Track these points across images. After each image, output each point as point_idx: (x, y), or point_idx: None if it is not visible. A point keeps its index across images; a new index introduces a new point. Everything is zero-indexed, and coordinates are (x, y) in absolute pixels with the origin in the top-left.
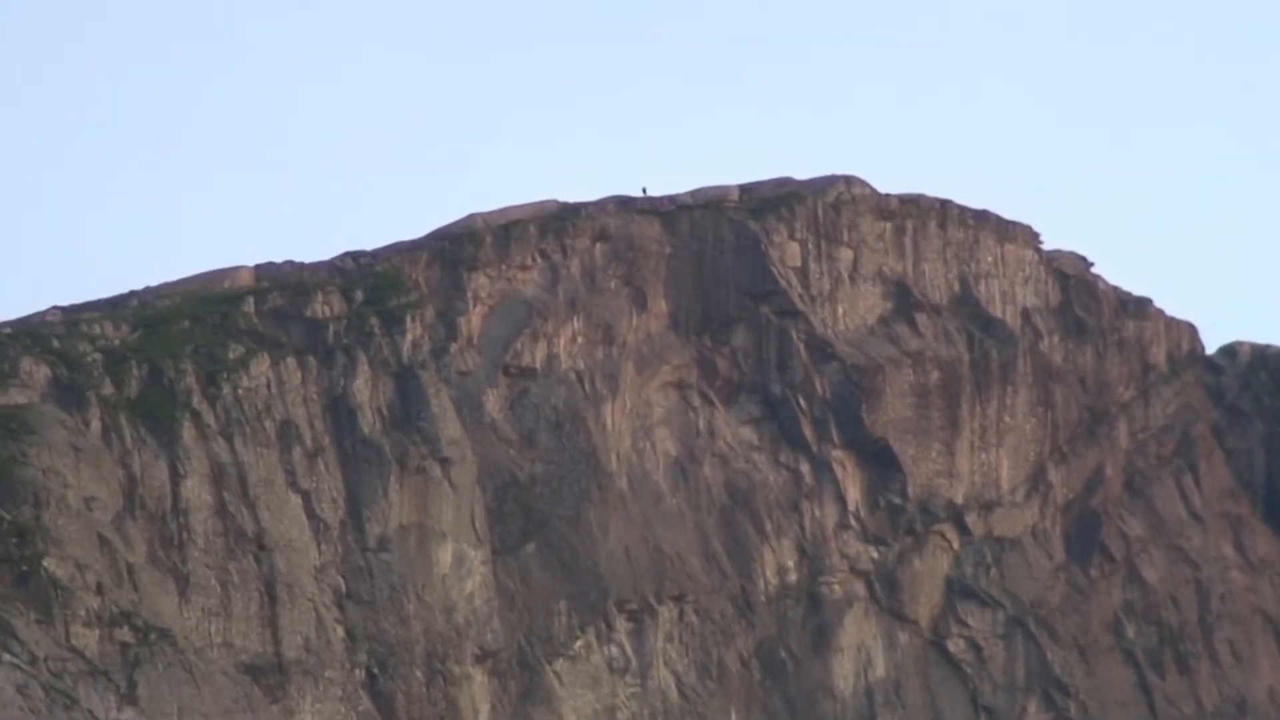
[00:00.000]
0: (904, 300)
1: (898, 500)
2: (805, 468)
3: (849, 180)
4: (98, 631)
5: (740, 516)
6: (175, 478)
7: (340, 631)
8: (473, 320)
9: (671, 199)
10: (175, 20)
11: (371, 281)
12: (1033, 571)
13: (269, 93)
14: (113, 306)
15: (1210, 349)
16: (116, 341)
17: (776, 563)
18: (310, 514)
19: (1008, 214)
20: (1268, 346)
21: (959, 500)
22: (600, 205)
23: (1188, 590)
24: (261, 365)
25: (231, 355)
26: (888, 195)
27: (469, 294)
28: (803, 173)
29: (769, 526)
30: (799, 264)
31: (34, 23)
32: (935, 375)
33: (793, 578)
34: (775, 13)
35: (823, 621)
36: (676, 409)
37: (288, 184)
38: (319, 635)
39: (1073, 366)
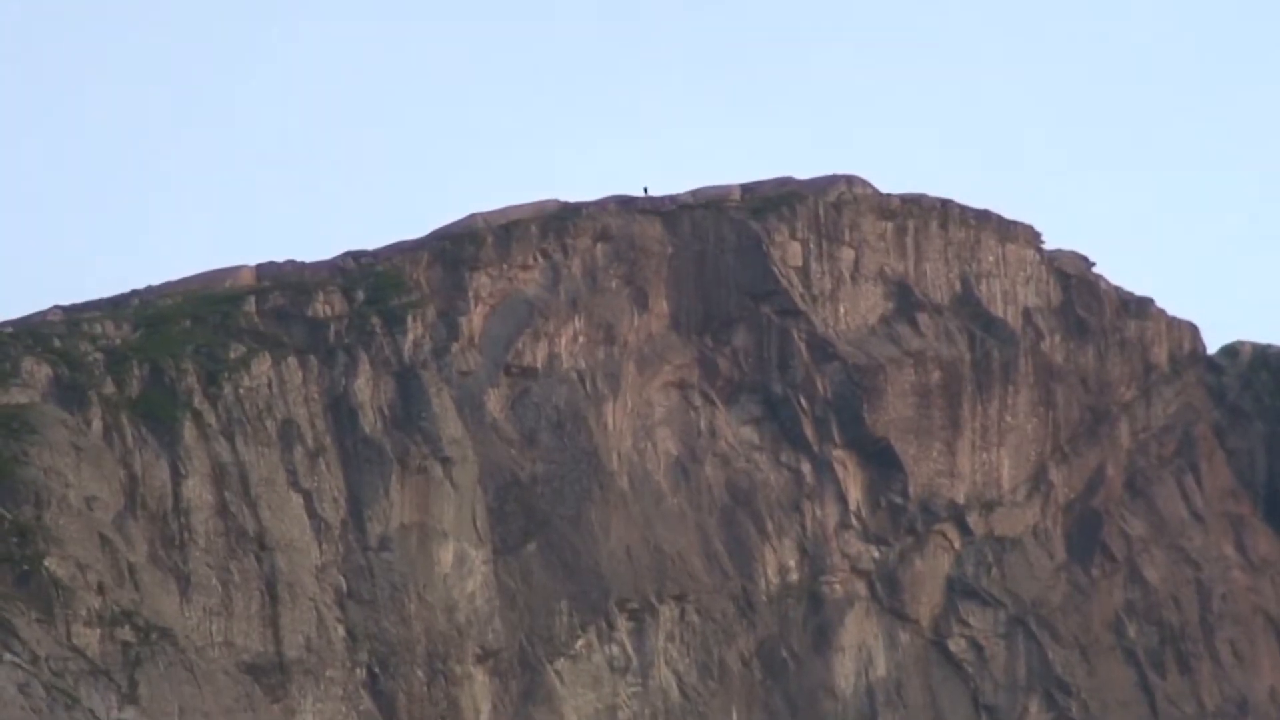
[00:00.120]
0: (905, 300)
1: (899, 500)
2: (806, 467)
3: (850, 180)
4: (99, 631)
5: (741, 516)
6: (176, 477)
7: (341, 631)
8: (474, 320)
9: (673, 199)
10: (176, 20)
11: (373, 281)
12: (1034, 571)
13: (270, 92)
14: (114, 306)
15: (1212, 349)
16: (118, 341)
17: (778, 562)
18: (311, 513)
19: (1009, 214)
20: (1269, 346)
21: (960, 500)
22: (601, 205)
23: (1189, 590)
24: (263, 365)
25: (233, 355)
26: (889, 195)
27: (470, 294)
28: (804, 172)
29: (770, 526)
30: (800, 264)
31: (34, 23)
32: (936, 375)
33: (794, 577)
34: (776, 13)
35: (824, 621)
36: (678, 409)
37: (289, 184)
38: (320, 635)
39: (1074, 366)
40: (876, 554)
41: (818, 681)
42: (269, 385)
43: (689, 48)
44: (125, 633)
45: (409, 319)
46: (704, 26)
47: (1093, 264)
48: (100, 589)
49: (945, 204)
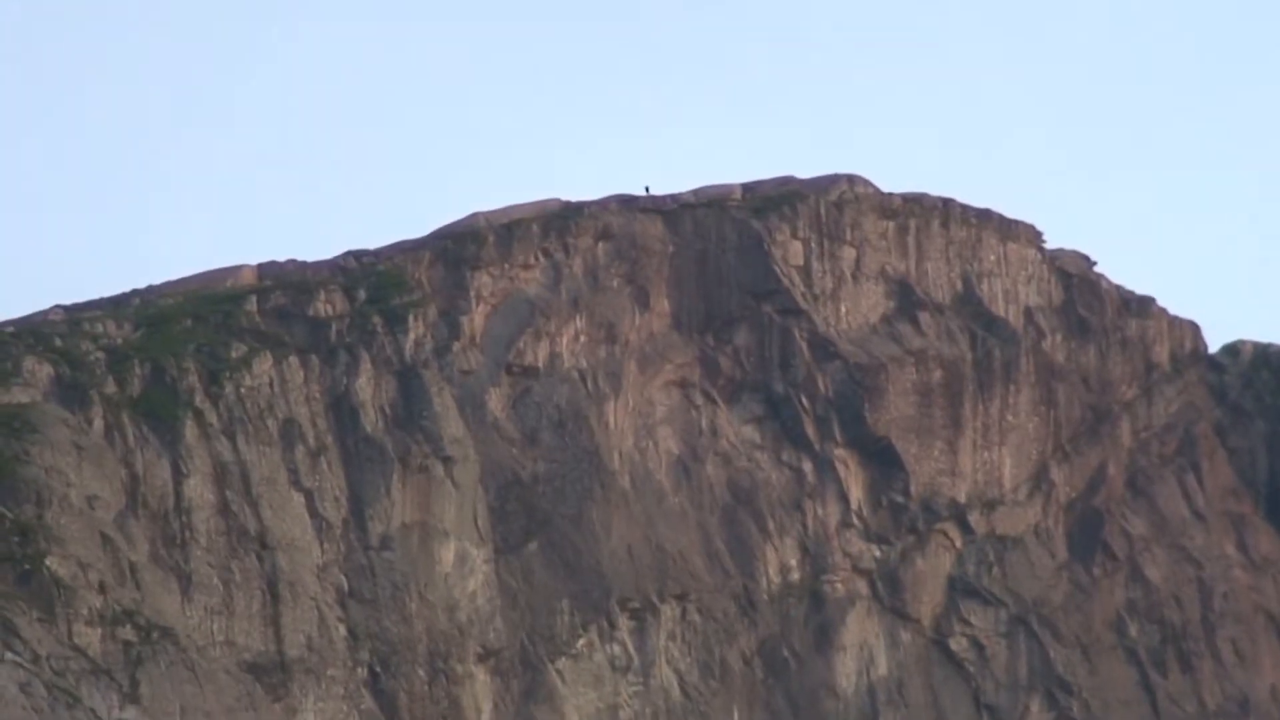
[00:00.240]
0: (906, 299)
1: (900, 499)
2: (808, 466)
3: (851, 179)
4: (100, 630)
5: (743, 515)
6: (178, 476)
7: (343, 630)
8: (475, 319)
9: (674, 198)
10: (177, 20)
11: (374, 280)
12: (1035, 570)
13: (271, 92)
14: (115, 305)
15: (1213, 348)
16: (119, 340)
17: (779, 561)
18: (313, 513)
19: (1010, 213)
20: (1270, 345)
21: (961, 499)
22: (603, 204)
23: (1190, 589)
24: (264, 364)
25: (234, 354)
26: (890, 194)
27: (471, 293)
28: (805, 171)
29: (771, 525)
30: (801, 263)
31: (34, 23)
32: (938, 374)
33: (795, 576)
34: (776, 12)
35: (825, 620)
36: (679, 408)
37: (290, 183)
38: (321, 634)
39: (1075, 365)
40: (878, 553)
41: (819, 681)
42: (270, 384)
43: (690, 47)
44: (127, 632)
45: (410, 318)
46: (704, 26)
47: (1094, 263)
48: (101, 588)
49: (947, 203)
